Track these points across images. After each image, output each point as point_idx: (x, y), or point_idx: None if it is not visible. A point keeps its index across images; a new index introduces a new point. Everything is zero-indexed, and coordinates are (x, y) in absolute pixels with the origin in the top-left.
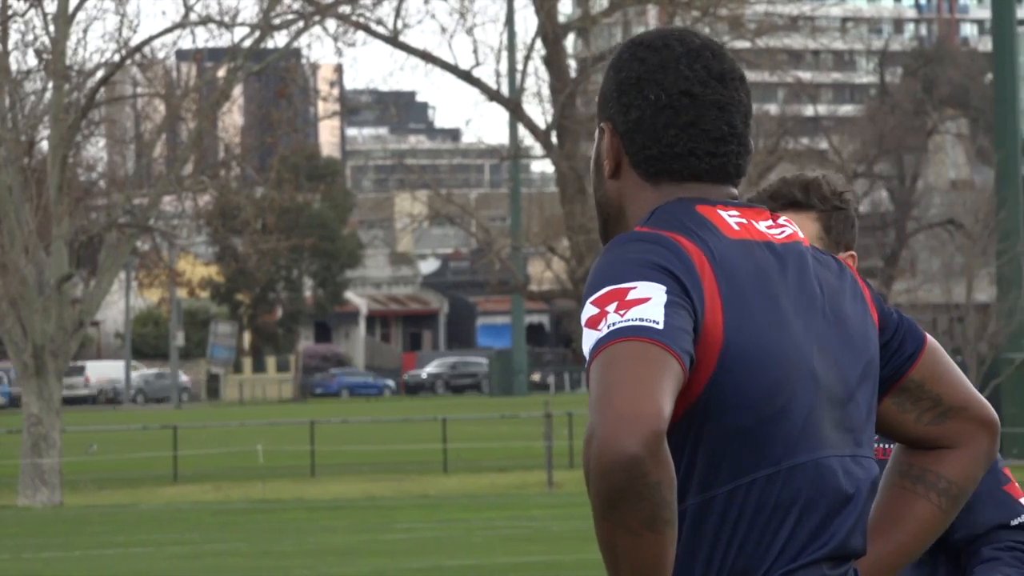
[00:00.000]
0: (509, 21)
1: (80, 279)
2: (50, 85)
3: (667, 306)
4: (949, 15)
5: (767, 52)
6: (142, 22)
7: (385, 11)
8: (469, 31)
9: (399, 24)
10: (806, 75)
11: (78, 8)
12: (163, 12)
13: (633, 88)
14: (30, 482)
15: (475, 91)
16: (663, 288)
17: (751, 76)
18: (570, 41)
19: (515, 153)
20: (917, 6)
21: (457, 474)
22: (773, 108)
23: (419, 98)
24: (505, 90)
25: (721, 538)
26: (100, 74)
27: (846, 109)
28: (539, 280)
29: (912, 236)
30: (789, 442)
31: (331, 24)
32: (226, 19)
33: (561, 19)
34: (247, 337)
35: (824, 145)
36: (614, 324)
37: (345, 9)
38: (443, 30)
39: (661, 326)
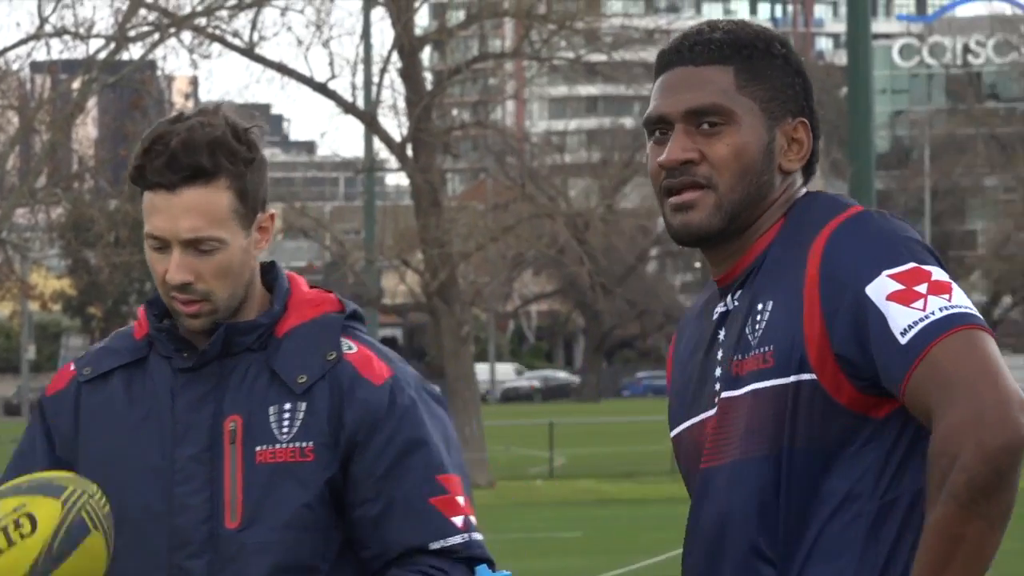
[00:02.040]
0: (366, 34)
1: None
2: None
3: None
4: (804, 29)
5: (623, 65)
6: None
7: (241, 23)
8: (325, 44)
9: (255, 36)
10: None
11: None
12: (17, 24)
13: (811, 95)
14: None
15: (331, 104)
16: (947, 275)
17: (607, 90)
18: (426, 54)
19: (370, 166)
20: (773, 20)
21: None
22: (629, 122)
23: (274, 111)
24: (361, 103)
25: (898, 546)
26: None
27: None
28: (393, 293)
29: None
30: None
31: (187, 36)
32: (81, 31)
33: (418, 32)
34: None
35: None
36: (952, 308)
37: (201, 21)
38: (299, 43)
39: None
